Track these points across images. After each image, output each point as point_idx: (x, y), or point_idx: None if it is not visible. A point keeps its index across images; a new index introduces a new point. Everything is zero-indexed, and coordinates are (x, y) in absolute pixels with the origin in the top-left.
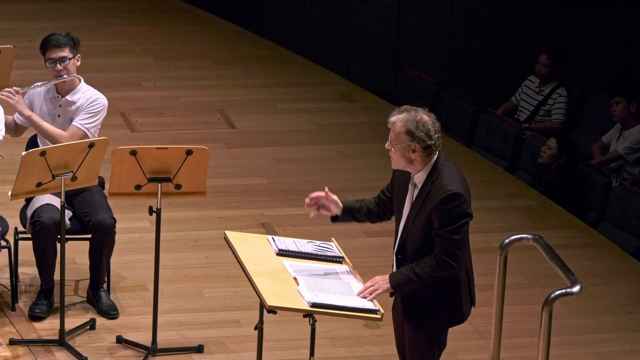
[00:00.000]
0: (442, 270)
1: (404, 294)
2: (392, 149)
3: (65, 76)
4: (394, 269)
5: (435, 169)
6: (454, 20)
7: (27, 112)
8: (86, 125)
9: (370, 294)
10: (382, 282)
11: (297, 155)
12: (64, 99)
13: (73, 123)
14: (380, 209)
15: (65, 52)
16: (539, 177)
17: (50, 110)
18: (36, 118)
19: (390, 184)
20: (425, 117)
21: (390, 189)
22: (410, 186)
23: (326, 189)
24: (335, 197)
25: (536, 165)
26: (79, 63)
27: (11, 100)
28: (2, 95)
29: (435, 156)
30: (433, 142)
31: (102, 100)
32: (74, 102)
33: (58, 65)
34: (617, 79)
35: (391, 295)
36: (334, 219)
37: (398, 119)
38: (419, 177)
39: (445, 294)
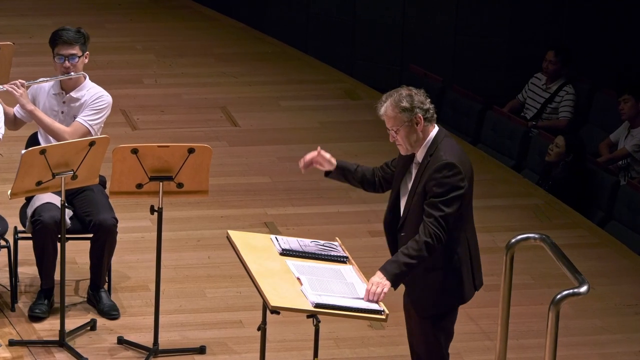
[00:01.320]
0: (431, 244)
1: (411, 282)
2: (397, 135)
3: (72, 73)
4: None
5: (435, 143)
6: (460, 16)
7: (30, 106)
8: (90, 122)
9: (377, 297)
10: (381, 280)
11: (300, 154)
12: (68, 95)
13: (77, 119)
14: (377, 179)
15: (75, 50)
16: (546, 176)
17: (53, 106)
18: (38, 112)
19: (396, 159)
20: (406, 90)
21: (397, 163)
22: (413, 165)
23: (319, 147)
24: (328, 155)
25: (543, 164)
26: (86, 60)
27: (15, 93)
28: (7, 87)
29: (435, 130)
30: (429, 106)
31: (106, 97)
32: (78, 99)
33: (67, 62)
34: (625, 76)
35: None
36: (327, 174)
37: (386, 106)
38: (420, 153)
39: (445, 272)
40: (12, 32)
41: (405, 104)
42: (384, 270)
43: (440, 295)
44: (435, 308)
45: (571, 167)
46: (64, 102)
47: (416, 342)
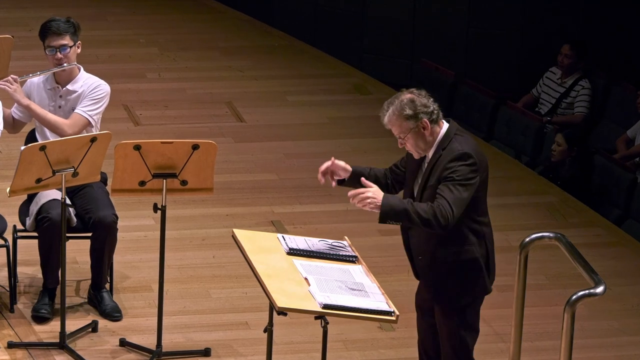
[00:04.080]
0: (436, 219)
1: (431, 277)
2: (406, 142)
3: (65, 64)
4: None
5: (447, 138)
6: (473, 9)
7: (25, 101)
8: (89, 112)
9: (361, 201)
10: (377, 196)
11: (308, 150)
12: (64, 89)
13: (76, 111)
14: (390, 182)
15: (66, 40)
16: (555, 176)
17: (50, 102)
18: (35, 106)
19: (404, 158)
20: (407, 95)
21: (405, 163)
22: (424, 163)
23: (332, 158)
24: (342, 163)
25: (550, 165)
26: (79, 50)
27: (9, 89)
28: (1, 85)
29: (445, 127)
30: (433, 107)
31: (104, 86)
32: (75, 91)
33: (58, 53)
34: None
35: (380, 221)
36: (340, 182)
37: (389, 115)
38: (430, 152)
39: (464, 264)
40: (11, 24)
41: (408, 111)
42: (385, 197)
43: (456, 290)
44: (453, 301)
45: (578, 161)
46: (60, 96)
47: (441, 339)
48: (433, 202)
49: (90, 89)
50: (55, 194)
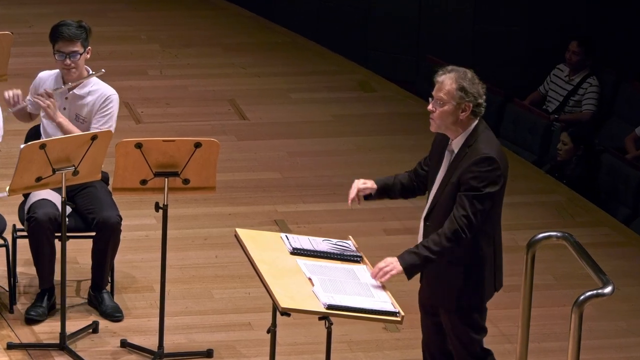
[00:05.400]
0: (454, 240)
1: (434, 278)
2: (437, 109)
3: (92, 72)
4: (420, 237)
5: (474, 134)
6: (479, 5)
7: (59, 119)
8: (108, 126)
9: (383, 275)
10: (395, 262)
11: (312, 148)
12: (71, 92)
13: (92, 128)
14: (415, 183)
15: (77, 47)
16: (561, 175)
17: (56, 102)
18: (67, 123)
19: (428, 156)
20: (472, 74)
21: (428, 162)
22: (447, 153)
23: (355, 181)
24: (370, 182)
25: (556, 164)
26: (88, 56)
27: (42, 104)
28: (34, 99)
29: (477, 121)
30: (482, 101)
31: (114, 97)
32: (82, 97)
33: (67, 59)
34: None
35: (409, 278)
36: (367, 197)
37: (447, 76)
38: (457, 142)
39: (467, 268)
40: (10, 21)
41: (466, 84)
42: (400, 258)
43: (460, 291)
44: (457, 301)
45: (585, 160)
46: (66, 99)
47: (451, 342)
48: (450, 200)
49: (100, 103)
50: (45, 194)
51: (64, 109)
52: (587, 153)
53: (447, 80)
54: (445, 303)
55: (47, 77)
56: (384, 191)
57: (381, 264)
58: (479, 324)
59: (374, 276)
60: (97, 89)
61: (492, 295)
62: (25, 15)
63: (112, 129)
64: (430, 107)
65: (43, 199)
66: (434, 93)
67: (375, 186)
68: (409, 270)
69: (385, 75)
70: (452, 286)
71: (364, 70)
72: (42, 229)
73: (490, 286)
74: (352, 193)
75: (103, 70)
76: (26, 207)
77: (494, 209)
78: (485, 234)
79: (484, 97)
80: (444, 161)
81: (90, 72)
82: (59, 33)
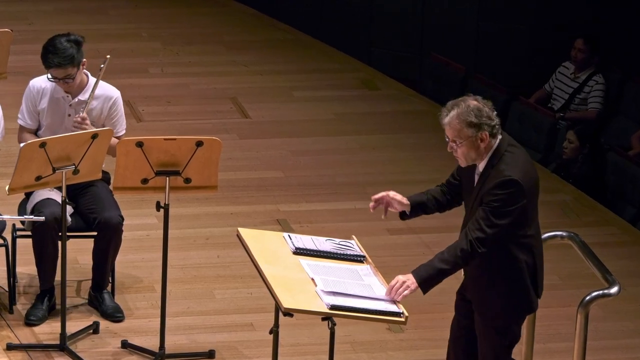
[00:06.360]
0: (468, 253)
1: (473, 289)
2: (457, 149)
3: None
4: None
5: (497, 153)
6: (483, 2)
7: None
8: (123, 127)
9: (398, 295)
10: (407, 280)
11: (314, 147)
12: (75, 99)
13: (115, 137)
14: (448, 197)
15: (69, 71)
16: (567, 174)
17: (58, 109)
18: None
19: (455, 170)
20: (474, 102)
21: (459, 172)
22: (475, 176)
23: (390, 191)
24: (399, 197)
25: (562, 162)
26: (84, 67)
27: (84, 131)
28: (76, 129)
29: (498, 139)
30: (496, 121)
31: (118, 98)
32: (86, 102)
33: (62, 82)
34: None
35: (424, 292)
36: (403, 216)
37: (451, 117)
38: (481, 164)
39: (509, 281)
40: (9, 18)
41: (473, 118)
42: (415, 272)
43: (505, 306)
44: (500, 319)
45: (591, 158)
46: (70, 105)
47: (480, 343)
48: None
49: (109, 108)
50: (49, 193)
51: (69, 115)
52: (593, 151)
53: (453, 122)
54: (484, 318)
55: (43, 86)
56: (419, 208)
57: (393, 283)
58: (516, 333)
59: (388, 296)
60: (101, 94)
61: (536, 304)
62: (25, 12)
63: (125, 127)
64: (449, 149)
65: (48, 199)
66: (446, 135)
67: (407, 202)
68: (424, 285)
69: (388, 73)
70: (495, 303)
71: (367, 68)
72: (47, 229)
73: (531, 298)
74: (378, 195)
75: (108, 56)
76: (29, 207)
77: (528, 219)
78: (522, 245)
79: (495, 113)
80: (473, 182)
81: (92, 77)
82: (49, 62)
